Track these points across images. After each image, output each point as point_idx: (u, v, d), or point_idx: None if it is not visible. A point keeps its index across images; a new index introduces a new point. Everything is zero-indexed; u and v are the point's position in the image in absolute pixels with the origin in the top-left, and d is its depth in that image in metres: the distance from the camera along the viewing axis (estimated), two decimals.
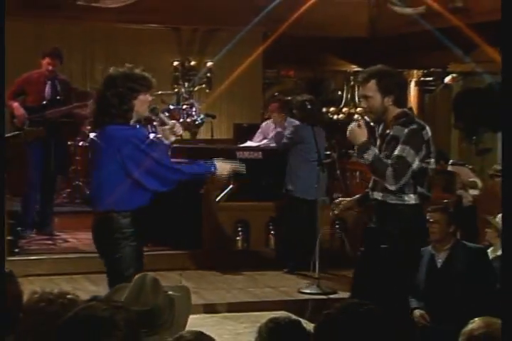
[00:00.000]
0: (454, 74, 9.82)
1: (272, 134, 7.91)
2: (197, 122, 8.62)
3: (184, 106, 8.69)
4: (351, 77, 11.44)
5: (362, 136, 3.93)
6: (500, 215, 5.18)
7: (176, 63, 10.13)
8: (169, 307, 2.35)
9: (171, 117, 8.68)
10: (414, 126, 3.93)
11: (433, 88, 10.66)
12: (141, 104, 3.89)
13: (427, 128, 4.01)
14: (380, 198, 4.02)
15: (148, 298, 2.31)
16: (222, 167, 3.96)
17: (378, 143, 4.14)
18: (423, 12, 9.60)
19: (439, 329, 4.10)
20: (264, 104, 11.17)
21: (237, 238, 7.26)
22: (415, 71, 12.08)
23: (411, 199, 3.96)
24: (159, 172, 3.85)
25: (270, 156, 7.51)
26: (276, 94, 11.11)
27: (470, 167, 8.53)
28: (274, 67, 11.54)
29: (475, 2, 9.40)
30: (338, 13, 10.66)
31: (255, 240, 7.32)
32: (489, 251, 5.01)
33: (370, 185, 4.16)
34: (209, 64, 9.85)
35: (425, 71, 10.92)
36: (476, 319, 2.17)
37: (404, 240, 3.94)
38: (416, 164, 3.92)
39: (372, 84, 3.97)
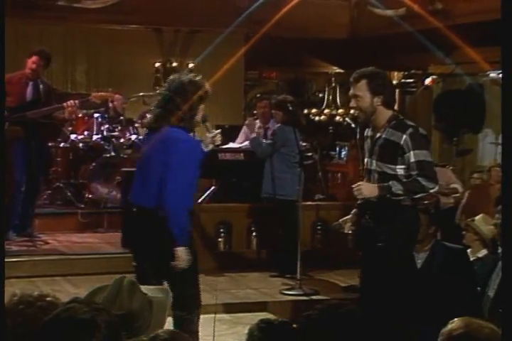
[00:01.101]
0: (435, 76, 9.88)
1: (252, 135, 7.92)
2: None
3: None
4: (333, 79, 11.48)
5: (372, 187, 4.02)
6: (478, 217, 5.22)
7: (157, 64, 10.12)
8: (147, 310, 2.34)
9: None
10: (411, 130, 4.01)
11: (413, 90, 10.72)
12: (201, 111, 4.09)
13: (419, 127, 4.09)
14: (374, 199, 4.07)
15: (124, 301, 2.31)
16: (182, 254, 3.97)
17: (368, 145, 4.17)
18: (403, 14, 9.65)
19: (418, 329, 4.13)
20: (245, 105, 11.21)
21: (219, 239, 7.24)
22: (396, 73, 12.13)
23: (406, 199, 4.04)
24: (167, 187, 3.93)
25: (252, 157, 7.50)
26: (258, 95, 11.13)
27: (451, 168, 8.58)
28: (256, 69, 11.56)
29: (455, 4, 9.47)
30: (319, 15, 10.69)
31: (237, 242, 7.31)
32: (468, 252, 5.05)
33: None
34: (191, 65, 9.85)
35: (406, 73, 10.98)
36: (456, 319, 2.18)
37: (403, 239, 4.02)
38: (432, 160, 4.09)
39: (362, 84, 4.06)
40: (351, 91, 4.14)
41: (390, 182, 4.00)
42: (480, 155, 11.28)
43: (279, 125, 7.31)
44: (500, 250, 4.65)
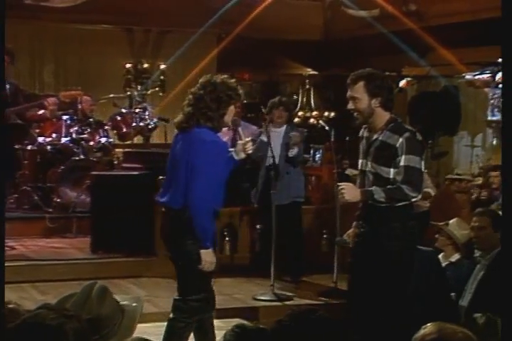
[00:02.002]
0: (409, 78, 9.96)
1: (226, 137, 7.91)
2: (150, 126, 8.60)
3: (137, 110, 8.64)
4: (307, 81, 11.53)
5: (354, 191, 4.05)
6: (452, 222, 5.27)
7: (128, 65, 10.07)
8: (117, 318, 2.33)
9: (124, 121, 8.66)
10: (408, 134, 4.04)
11: None
12: (230, 113, 4.13)
13: (416, 132, 4.12)
14: (370, 201, 4.08)
15: (93, 306, 2.30)
16: (206, 257, 4.05)
17: (363, 146, 4.20)
18: (377, 15, 9.73)
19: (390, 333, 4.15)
20: None
21: None
22: None
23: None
24: (192, 186, 3.98)
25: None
26: None
27: (426, 171, 8.66)
28: (229, 70, 11.48)
29: (429, 5, 9.58)
30: (293, 16, 10.74)
31: None
32: (440, 257, 5.10)
33: (358, 187, 4.19)
34: (162, 66, 9.82)
35: None
36: (428, 324, 2.18)
37: (402, 239, 4.04)
38: (422, 168, 4.09)
39: (360, 85, 4.07)
40: (349, 93, 4.15)
41: (373, 188, 4.02)
42: (455, 158, 11.41)
43: (253, 127, 7.26)
44: (476, 254, 4.69)
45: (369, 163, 4.14)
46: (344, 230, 4.54)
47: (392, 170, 4.06)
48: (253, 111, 11.08)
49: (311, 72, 11.68)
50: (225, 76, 4.19)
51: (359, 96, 4.07)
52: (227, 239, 7.31)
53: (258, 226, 7.20)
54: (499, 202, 6.06)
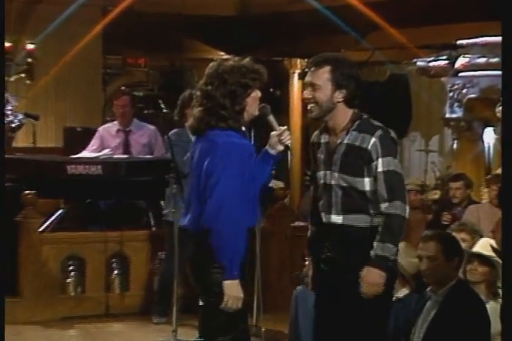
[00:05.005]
0: None
1: (116, 141, 7.80)
2: (13, 124, 8.43)
3: None
4: None
5: (375, 274, 4.03)
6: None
7: None
8: None
9: None
10: (381, 132, 4.08)
11: None
12: (253, 101, 4.14)
13: (389, 129, 4.15)
14: (340, 222, 4.11)
15: None
16: (231, 290, 4.06)
17: (322, 154, 4.21)
18: None
19: None
20: (105, 101, 11.06)
21: (68, 280, 7.15)
22: (298, 60, 12.31)
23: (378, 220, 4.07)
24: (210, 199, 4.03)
25: (114, 171, 7.40)
26: (122, 88, 11.02)
27: None
28: (119, 53, 11.49)
29: None
30: None
31: (93, 283, 7.23)
32: None
33: (320, 206, 4.20)
34: (30, 46, 9.66)
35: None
36: None
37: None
38: (402, 172, 4.15)
39: (324, 71, 4.12)
40: (308, 78, 4.19)
41: (375, 245, 4.00)
42: (405, 166, 11.56)
43: (149, 127, 7.14)
44: (428, 289, 4.71)
45: (335, 174, 4.14)
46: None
47: (366, 179, 4.07)
48: (150, 107, 11.00)
49: (224, 56, 11.62)
50: (236, 58, 4.17)
51: (321, 83, 4.11)
52: (115, 272, 7.27)
53: (160, 254, 7.15)
54: (461, 221, 6.11)
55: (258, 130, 4.80)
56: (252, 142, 4.53)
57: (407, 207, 4.08)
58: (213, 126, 4.10)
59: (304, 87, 4.34)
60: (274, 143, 4.17)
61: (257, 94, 4.14)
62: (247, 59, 4.17)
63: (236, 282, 4.02)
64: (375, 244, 4.02)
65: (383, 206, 4.04)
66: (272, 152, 4.18)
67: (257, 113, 4.20)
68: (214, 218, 4.00)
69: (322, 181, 4.21)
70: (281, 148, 4.17)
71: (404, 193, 4.11)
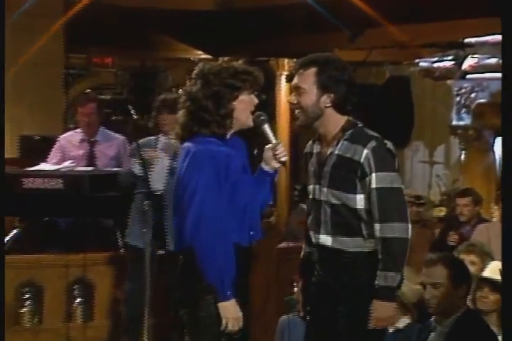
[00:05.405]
0: None
1: (79, 152, 7.77)
2: None
3: None
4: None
5: (384, 307, 4.07)
6: None
7: None
8: None
9: None
10: (375, 143, 4.08)
11: None
12: (243, 107, 4.15)
13: (385, 139, 4.16)
14: (329, 244, 4.13)
15: None
16: (229, 312, 4.10)
17: (313, 166, 4.22)
18: None
19: None
20: (67, 106, 11.04)
21: (23, 310, 7.11)
22: (286, 60, 12.33)
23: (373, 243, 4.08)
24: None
25: (76, 185, 7.35)
26: (87, 91, 11.02)
27: None
28: (83, 52, 11.49)
29: None
30: None
31: (51, 312, 7.19)
32: None
33: (309, 224, 4.23)
34: None
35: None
36: None
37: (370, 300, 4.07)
38: (402, 186, 4.16)
39: (309, 73, 4.14)
40: (294, 81, 4.23)
41: (378, 274, 4.02)
42: (407, 179, 11.56)
43: (117, 136, 7.10)
44: (432, 318, 4.71)
45: (324, 189, 4.15)
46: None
47: (359, 196, 4.08)
48: (118, 113, 10.98)
49: (202, 55, 11.69)
50: (227, 58, 4.22)
51: (306, 87, 4.14)
52: (78, 300, 7.24)
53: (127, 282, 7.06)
54: (469, 242, 6.11)
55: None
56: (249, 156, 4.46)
57: (409, 227, 4.07)
58: (196, 132, 4.13)
59: (291, 90, 4.33)
60: (268, 158, 4.18)
61: (249, 98, 4.16)
62: (240, 60, 4.21)
63: (231, 302, 4.05)
64: (377, 272, 4.03)
65: (376, 228, 4.04)
66: (267, 168, 4.19)
67: (251, 123, 4.21)
68: (195, 233, 4.02)
69: (311, 196, 4.24)
70: (276, 165, 4.18)
71: (404, 212, 4.09)
